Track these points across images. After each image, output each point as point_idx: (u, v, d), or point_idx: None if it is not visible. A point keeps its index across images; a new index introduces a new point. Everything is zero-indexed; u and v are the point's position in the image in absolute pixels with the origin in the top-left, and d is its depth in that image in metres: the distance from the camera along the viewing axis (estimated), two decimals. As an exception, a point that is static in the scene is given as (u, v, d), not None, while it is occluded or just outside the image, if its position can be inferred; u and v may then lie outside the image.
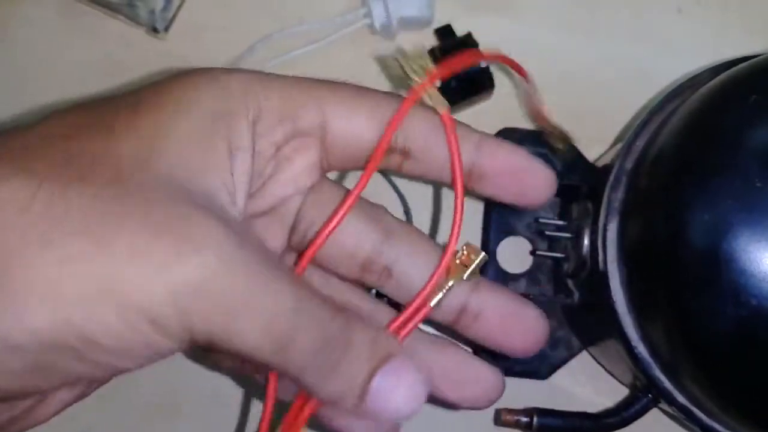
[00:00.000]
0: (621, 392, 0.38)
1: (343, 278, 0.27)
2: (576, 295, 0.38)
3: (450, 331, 0.28)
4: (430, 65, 0.25)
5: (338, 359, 0.21)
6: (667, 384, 0.31)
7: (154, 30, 0.44)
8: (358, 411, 0.21)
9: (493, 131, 0.43)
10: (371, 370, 0.21)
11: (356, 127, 0.24)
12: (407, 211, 0.43)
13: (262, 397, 0.24)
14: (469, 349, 0.29)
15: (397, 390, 0.21)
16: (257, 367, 0.24)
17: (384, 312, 0.27)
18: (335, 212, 0.24)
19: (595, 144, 0.42)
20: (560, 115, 0.43)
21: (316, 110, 0.24)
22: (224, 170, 0.21)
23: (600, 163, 0.40)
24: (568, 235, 0.37)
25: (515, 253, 0.42)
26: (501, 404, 0.38)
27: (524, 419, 0.35)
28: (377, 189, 0.43)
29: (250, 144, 0.23)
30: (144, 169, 0.20)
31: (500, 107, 0.44)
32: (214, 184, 0.21)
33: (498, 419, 0.36)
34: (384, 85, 0.45)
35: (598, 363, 0.41)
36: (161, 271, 0.18)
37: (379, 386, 0.21)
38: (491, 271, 0.42)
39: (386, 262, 0.26)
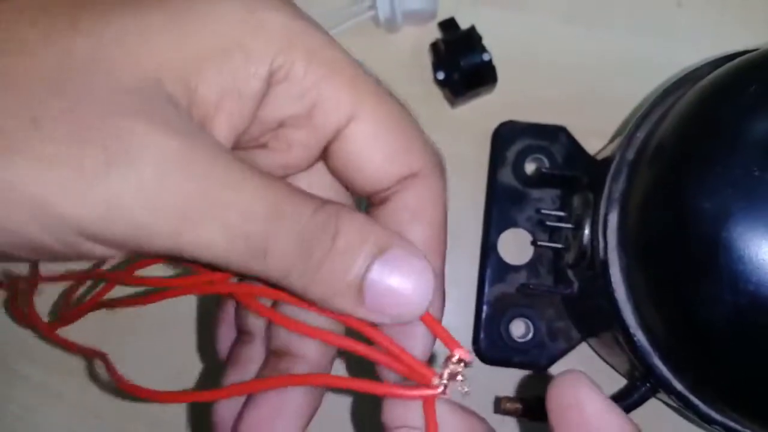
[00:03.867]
0: (620, 384, 0.38)
1: None
2: (576, 285, 0.38)
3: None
4: None
5: (324, 257, 0.18)
6: (666, 372, 0.31)
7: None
8: (360, 312, 0.19)
9: (495, 123, 0.43)
10: (363, 264, 0.18)
11: (369, 156, 0.22)
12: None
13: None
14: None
15: (398, 281, 0.19)
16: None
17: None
18: None
19: (595, 136, 0.42)
20: (561, 107, 0.44)
21: (346, 112, 0.21)
22: (208, 93, 0.19)
23: (600, 156, 0.41)
24: (568, 225, 0.37)
25: (516, 245, 0.43)
26: (500, 393, 0.38)
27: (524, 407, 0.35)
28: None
29: (255, 95, 0.20)
30: (114, 55, 0.17)
31: (502, 100, 0.44)
32: (184, 96, 0.18)
33: (498, 407, 0.36)
34: (386, 80, 0.45)
35: (597, 354, 0.42)
36: (90, 183, 0.16)
37: (376, 280, 0.18)
38: (492, 264, 0.42)
39: None
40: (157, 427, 0.43)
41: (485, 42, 0.42)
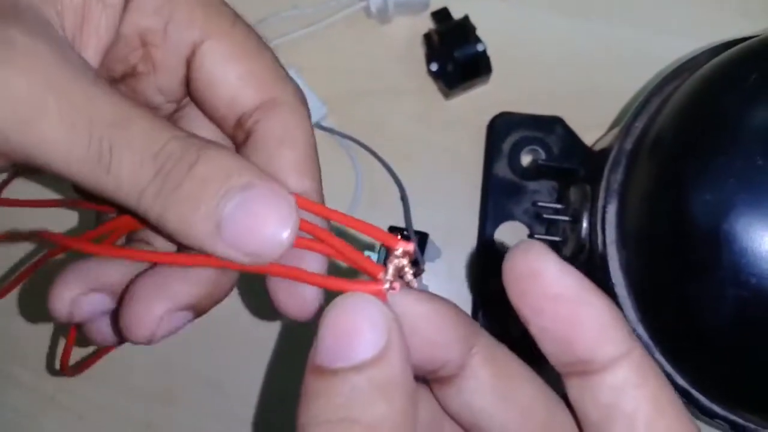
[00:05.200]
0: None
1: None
2: (574, 279, 0.37)
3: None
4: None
5: (179, 181, 0.18)
6: (667, 367, 0.31)
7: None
8: (219, 247, 0.18)
9: (491, 115, 0.43)
10: (221, 195, 0.18)
11: (224, 75, 0.23)
12: (404, 197, 0.42)
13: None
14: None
15: (257, 218, 0.18)
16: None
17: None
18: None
19: (592, 127, 0.42)
20: (557, 97, 0.43)
21: (199, 29, 0.22)
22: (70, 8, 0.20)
23: (597, 148, 0.40)
24: (566, 218, 0.37)
25: (513, 238, 0.42)
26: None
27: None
28: (375, 176, 0.43)
29: (116, 5, 0.21)
30: None
31: (497, 91, 0.43)
32: (51, 5, 0.20)
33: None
34: (379, 72, 0.44)
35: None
36: None
37: (234, 214, 0.18)
38: (489, 258, 0.41)
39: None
40: (152, 428, 0.43)
41: (479, 32, 0.41)
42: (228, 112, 0.23)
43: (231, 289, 0.23)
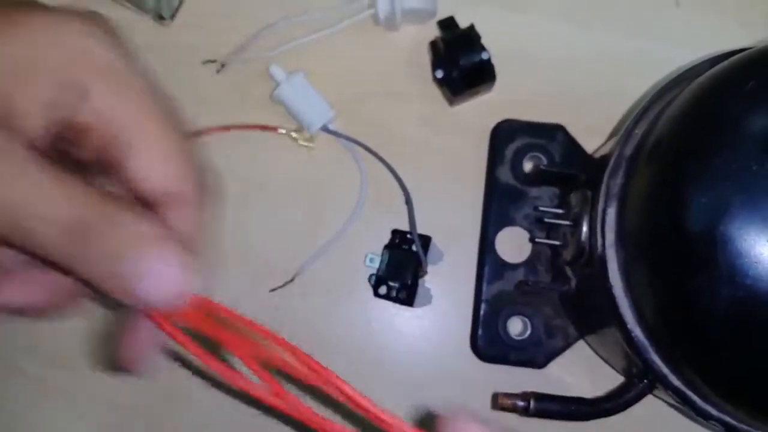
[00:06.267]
0: (617, 382, 0.38)
1: None
2: (574, 282, 0.38)
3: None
4: None
5: (92, 239, 0.21)
6: (663, 367, 0.31)
7: (160, 18, 0.45)
8: (119, 294, 0.21)
9: (494, 122, 0.44)
10: (127, 252, 0.21)
11: (151, 168, 0.24)
12: (408, 201, 0.43)
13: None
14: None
15: (154, 275, 0.21)
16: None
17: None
18: None
19: (592, 134, 0.43)
20: (559, 105, 0.44)
21: (129, 133, 0.24)
22: (33, 102, 0.22)
23: (598, 155, 0.41)
24: (566, 222, 0.38)
25: (514, 243, 0.43)
26: (498, 390, 0.38)
27: (521, 403, 0.35)
28: (380, 179, 0.44)
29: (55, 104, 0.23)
30: None
31: (501, 99, 0.44)
32: (19, 106, 0.22)
33: (495, 403, 0.36)
34: (385, 78, 0.45)
35: (595, 352, 0.42)
36: None
37: (133, 270, 0.21)
38: (490, 262, 0.42)
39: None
40: (155, 424, 0.43)
41: (484, 41, 0.42)
42: (137, 187, 0.24)
43: None
